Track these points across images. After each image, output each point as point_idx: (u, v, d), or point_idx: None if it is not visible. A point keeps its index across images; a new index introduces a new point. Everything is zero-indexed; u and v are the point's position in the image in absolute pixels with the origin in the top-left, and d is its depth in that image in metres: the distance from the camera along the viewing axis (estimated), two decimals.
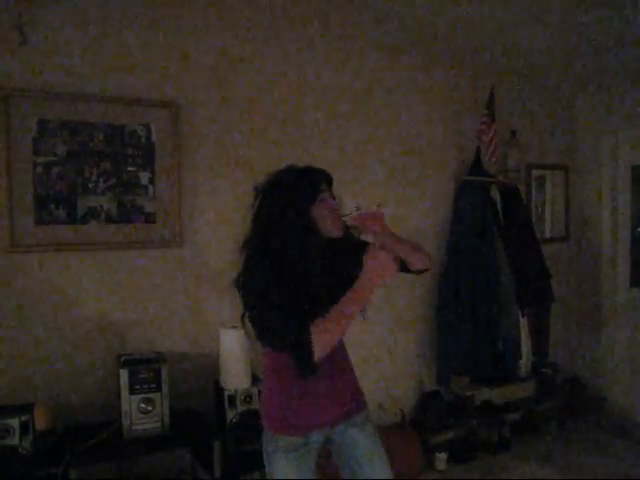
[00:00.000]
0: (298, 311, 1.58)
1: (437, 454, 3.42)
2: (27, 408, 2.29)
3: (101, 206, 2.66)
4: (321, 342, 1.54)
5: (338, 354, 1.75)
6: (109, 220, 2.67)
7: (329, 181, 1.78)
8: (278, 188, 1.69)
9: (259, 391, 2.65)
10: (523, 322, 3.84)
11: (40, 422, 2.31)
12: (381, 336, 3.45)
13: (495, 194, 3.86)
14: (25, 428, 2.23)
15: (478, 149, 3.71)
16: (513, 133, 3.98)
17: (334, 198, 1.77)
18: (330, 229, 1.70)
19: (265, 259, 1.62)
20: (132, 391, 2.38)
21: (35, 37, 2.51)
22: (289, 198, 1.66)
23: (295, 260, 1.62)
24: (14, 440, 2.20)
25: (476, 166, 3.74)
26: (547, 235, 4.38)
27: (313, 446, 1.76)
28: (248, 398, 2.62)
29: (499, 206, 3.87)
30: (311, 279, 1.63)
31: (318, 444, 1.79)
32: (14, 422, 2.21)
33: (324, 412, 1.74)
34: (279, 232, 1.64)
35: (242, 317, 1.67)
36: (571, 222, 4.49)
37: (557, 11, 3.10)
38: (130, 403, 2.37)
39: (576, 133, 4.47)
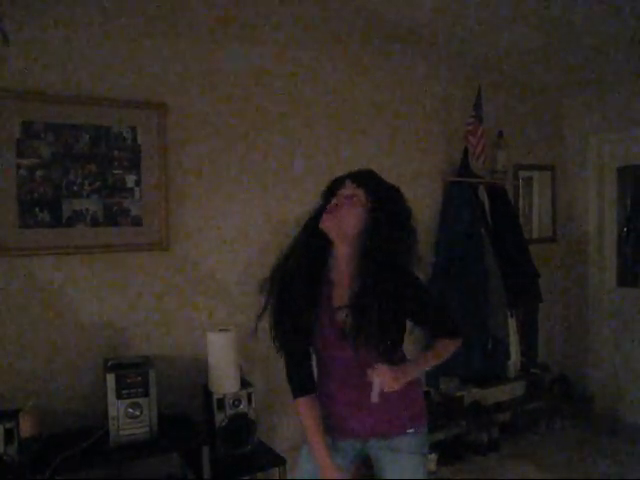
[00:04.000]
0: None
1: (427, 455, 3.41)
2: (11, 415, 2.24)
3: (87, 209, 2.62)
4: None
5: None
6: (95, 223, 2.64)
7: (357, 175, 1.74)
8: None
9: (248, 394, 2.64)
10: (512, 322, 3.86)
11: (25, 429, 2.27)
12: None
13: (483, 195, 3.88)
14: (10, 435, 2.18)
15: (465, 150, 3.72)
16: (500, 134, 3.99)
17: (351, 196, 1.68)
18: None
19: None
20: (119, 396, 2.34)
21: (18, 38, 2.47)
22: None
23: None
24: None
25: (464, 167, 3.75)
26: (535, 235, 4.40)
27: (344, 453, 1.77)
28: (237, 402, 2.60)
29: (487, 207, 3.88)
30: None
31: (350, 454, 1.79)
32: None
33: (349, 423, 1.74)
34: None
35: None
36: (558, 222, 4.52)
37: (543, 11, 3.11)
38: (117, 408, 2.34)
39: (563, 134, 4.50)
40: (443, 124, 3.79)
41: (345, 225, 1.64)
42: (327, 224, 1.64)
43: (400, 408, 1.75)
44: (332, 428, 1.75)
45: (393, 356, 1.70)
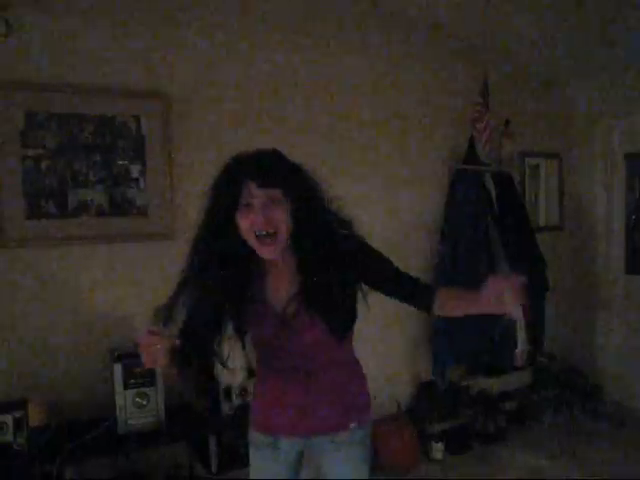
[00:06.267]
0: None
1: (434, 444, 3.42)
2: (21, 404, 2.27)
3: (92, 199, 2.62)
4: None
5: (323, 368, 1.61)
6: (100, 213, 2.64)
7: (264, 176, 1.41)
8: (208, 192, 1.51)
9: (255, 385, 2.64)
10: (519, 311, 3.84)
11: (34, 418, 2.29)
12: (377, 327, 3.44)
13: (489, 183, 3.85)
14: (19, 424, 2.21)
15: (472, 138, 3.69)
16: (507, 122, 3.96)
17: (272, 202, 1.41)
18: (255, 248, 1.45)
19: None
20: (126, 386, 2.36)
21: (22, 28, 2.46)
22: (210, 201, 1.50)
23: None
24: (8, 437, 2.18)
25: (470, 155, 3.72)
26: (541, 223, 4.37)
27: (286, 452, 1.67)
28: (243, 392, 2.61)
29: (493, 195, 3.85)
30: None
31: (292, 453, 1.69)
32: (8, 418, 2.19)
33: (292, 421, 1.63)
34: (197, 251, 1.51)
35: None
36: (565, 210, 4.48)
37: None
38: (125, 398, 2.35)
39: (570, 121, 4.45)
40: (449, 111, 3.76)
41: (281, 230, 1.43)
42: (261, 227, 1.41)
43: (346, 403, 1.65)
44: (273, 427, 1.66)
45: (344, 342, 1.60)
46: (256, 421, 1.71)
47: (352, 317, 1.59)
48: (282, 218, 1.42)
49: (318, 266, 1.48)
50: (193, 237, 1.52)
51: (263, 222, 1.40)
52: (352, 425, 1.64)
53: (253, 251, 1.46)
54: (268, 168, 1.44)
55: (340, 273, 1.49)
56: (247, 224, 1.41)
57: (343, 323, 1.56)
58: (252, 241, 1.43)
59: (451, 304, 1.53)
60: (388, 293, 1.59)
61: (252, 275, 1.54)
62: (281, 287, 1.55)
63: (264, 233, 1.41)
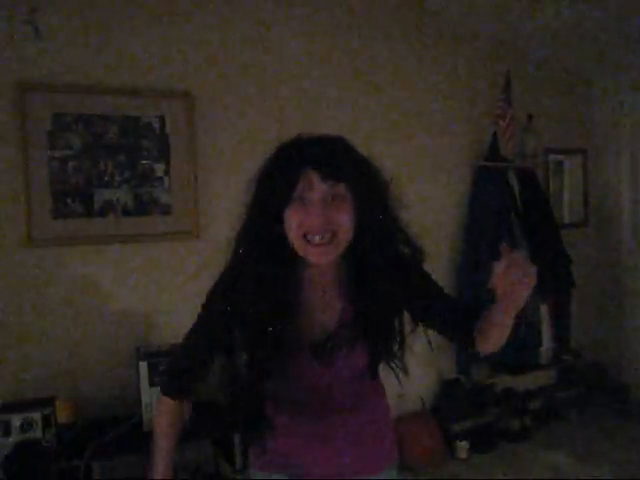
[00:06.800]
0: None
1: (458, 443, 3.40)
2: (49, 402, 2.30)
3: (117, 199, 2.65)
4: None
5: (356, 404, 1.35)
6: (125, 213, 2.67)
7: (330, 166, 1.15)
8: (255, 181, 1.25)
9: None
10: (543, 309, 3.80)
11: (62, 415, 2.32)
12: None
13: (512, 179, 3.81)
14: (47, 421, 2.24)
15: (495, 134, 3.65)
16: (530, 117, 3.91)
17: (333, 198, 1.15)
18: (301, 251, 1.18)
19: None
20: (152, 383, 2.37)
21: (48, 31, 2.50)
22: (256, 197, 1.23)
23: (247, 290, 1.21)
24: (37, 433, 2.22)
25: (493, 151, 3.68)
26: (566, 220, 4.32)
27: None
28: None
29: (516, 191, 3.82)
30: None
31: None
32: (36, 415, 2.22)
33: (307, 461, 1.34)
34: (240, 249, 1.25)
35: None
36: (590, 207, 4.42)
37: None
38: (150, 395, 2.37)
39: (595, 115, 4.39)
40: (471, 108, 3.73)
41: (342, 232, 1.17)
42: (317, 228, 1.14)
43: (373, 443, 1.38)
44: (283, 467, 1.36)
45: (376, 374, 1.38)
46: (266, 460, 1.39)
47: (401, 346, 1.38)
48: (345, 218, 1.16)
49: (378, 283, 1.23)
50: (233, 242, 1.29)
51: (322, 222, 1.13)
52: (387, 466, 1.42)
53: (292, 259, 1.21)
54: (335, 157, 1.17)
55: (399, 292, 1.27)
56: (297, 222, 1.15)
57: (391, 354, 1.35)
58: (299, 243, 1.16)
59: (483, 329, 1.28)
60: (430, 324, 1.38)
61: (289, 292, 1.24)
62: (320, 307, 1.27)
63: (317, 238, 1.14)
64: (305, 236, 1.15)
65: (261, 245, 1.20)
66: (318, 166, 1.13)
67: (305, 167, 1.14)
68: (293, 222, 1.15)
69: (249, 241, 1.23)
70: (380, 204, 1.23)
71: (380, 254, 1.22)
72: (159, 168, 2.73)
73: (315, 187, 1.14)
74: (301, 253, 1.18)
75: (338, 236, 1.16)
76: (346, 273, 1.27)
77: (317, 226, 1.13)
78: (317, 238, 1.14)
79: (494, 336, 1.25)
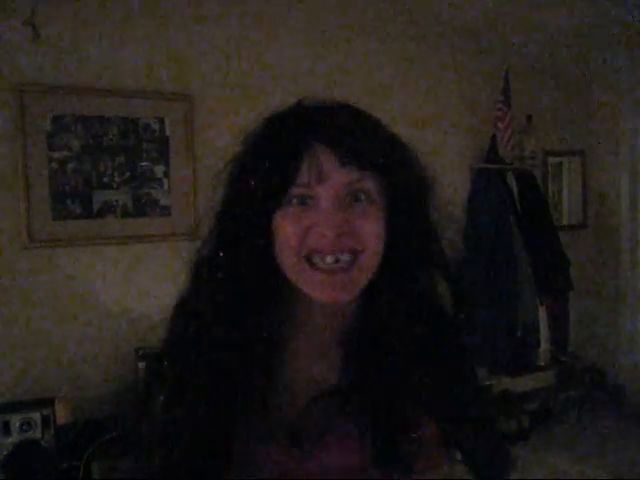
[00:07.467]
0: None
1: None
2: (48, 402, 2.30)
3: (117, 200, 2.66)
4: None
5: None
6: (125, 214, 2.68)
7: (353, 144, 0.72)
8: (227, 173, 0.86)
9: None
10: (542, 310, 3.81)
11: (61, 416, 2.33)
12: None
13: (511, 181, 3.82)
14: (46, 422, 2.24)
15: (494, 136, 3.66)
16: (529, 118, 3.92)
17: (356, 196, 0.73)
18: (300, 281, 0.75)
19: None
20: None
21: (48, 32, 2.50)
22: (228, 196, 0.84)
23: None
24: (36, 434, 2.22)
25: (492, 153, 3.69)
26: (564, 222, 4.33)
27: None
28: None
29: (515, 193, 3.82)
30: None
31: None
32: (36, 416, 2.22)
33: None
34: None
35: None
36: (589, 208, 4.43)
37: None
38: None
39: (594, 117, 4.39)
40: (469, 110, 3.74)
41: (370, 254, 0.74)
42: (328, 246, 0.72)
43: None
44: None
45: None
46: None
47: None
48: (375, 230, 0.74)
49: (403, 340, 0.79)
50: (191, 266, 0.88)
51: (338, 234, 0.70)
52: None
53: (279, 293, 0.79)
54: (359, 131, 0.75)
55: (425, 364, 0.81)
56: (295, 234, 0.72)
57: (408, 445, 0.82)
58: (297, 268, 0.74)
59: None
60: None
61: (265, 350, 0.79)
62: (310, 370, 0.82)
63: (329, 260, 0.71)
64: (309, 257, 0.73)
65: (231, 272, 0.78)
66: (332, 142, 0.71)
67: (312, 144, 0.72)
68: (289, 234, 0.73)
69: (213, 266, 0.81)
70: (421, 212, 0.84)
71: (413, 294, 0.80)
72: (159, 170, 2.74)
73: (328, 176, 0.71)
74: (299, 284, 0.75)
75: (362, 259, 0.73)
76: (355, 317, 0.82)
77: (330, 241, 0.70)
78: (329, 259, 0.71)
79: None
